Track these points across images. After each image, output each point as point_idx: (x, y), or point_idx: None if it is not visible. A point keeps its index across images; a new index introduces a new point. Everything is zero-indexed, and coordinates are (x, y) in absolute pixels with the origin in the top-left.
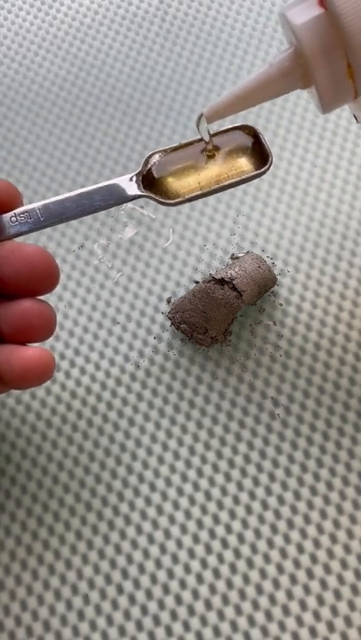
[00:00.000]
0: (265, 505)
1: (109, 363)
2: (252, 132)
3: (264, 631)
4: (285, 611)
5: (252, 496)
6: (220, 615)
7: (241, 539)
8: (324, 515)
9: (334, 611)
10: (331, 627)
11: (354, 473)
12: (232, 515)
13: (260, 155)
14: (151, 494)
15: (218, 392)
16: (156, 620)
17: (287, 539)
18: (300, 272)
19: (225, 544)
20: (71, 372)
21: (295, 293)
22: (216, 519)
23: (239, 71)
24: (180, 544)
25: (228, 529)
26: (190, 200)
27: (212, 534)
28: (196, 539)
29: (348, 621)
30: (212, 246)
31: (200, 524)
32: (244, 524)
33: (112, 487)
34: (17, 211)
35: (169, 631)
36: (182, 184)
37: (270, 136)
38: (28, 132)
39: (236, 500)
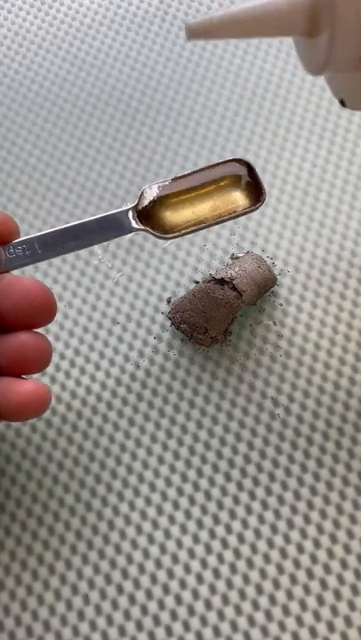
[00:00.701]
0: (265, 505)
1: (109, 363)
2: (246, 165)
3: (264, 631)
4: (285, 611)
5: (252, 496)
6: (220, 615)
7: (241, 539)
8: (324, 515)
9: (334, 611)
10: (331, 627)
11: (354, 473)
12: (232, 515)
13: (254, 188)
14: (151, 494)
15: (218, 392)
16: (156, 620)
17: (287, 539)
18: (300, 272)
19: (225, 544)
20: (71, 372)
21: (295, 293)
22: (216, 519)
23: (239, 71)
24: (180, 544)
25: (228, 529)
26: (185, 234)
27: (212, 534)
28: (196, 539)
29: (348, 621)
30: (212, 246)
31: (200, 523)
32: (244, 523)
33: (112, 487)
34: (14, 242)
35: (169, 631)
36: (178, 217)
37: (270, 136)
38: (27, 132)
39: (236, 500)
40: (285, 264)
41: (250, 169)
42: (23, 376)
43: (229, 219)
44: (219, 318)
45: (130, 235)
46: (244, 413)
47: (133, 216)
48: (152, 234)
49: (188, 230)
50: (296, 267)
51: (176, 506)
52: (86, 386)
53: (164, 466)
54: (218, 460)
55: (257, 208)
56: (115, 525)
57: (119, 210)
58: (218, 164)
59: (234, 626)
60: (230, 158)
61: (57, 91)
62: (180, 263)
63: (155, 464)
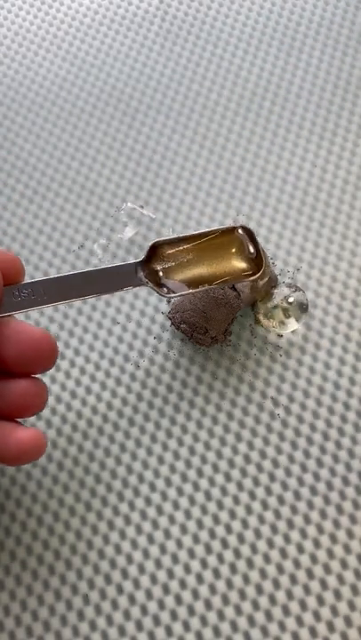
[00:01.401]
0: (265, 505)
1: (109, 363)
2: (248, 233)
3: (264, 631)
4: (285, 611)
5: (252, 496)
6: (220, 615)
7: (241, 539)
8: (324, 515)
9: (334, 611)
10: (331, 627)
11: (354, 473)
12: (232, 515)
13: (256, 257)
14: (151, 494)
15: (218, 392)
16: (156, 620)
17: (287, 539)
18: (301, 272)
19: (225, 544)
20: (71, 372)
21: None
22: (216, 519)
23: (239, 71)
24: (180, 544)
25: (228, 529)
26: (185, 295)
27: (212, 534)
28: (196, 539)
29: (348, 621)
30: None
31: (200, 523)
32: (244, 524)
33: (112, 487)
34: (20, 285)
35: (169, 631)
36: (181, 274)
37: (270, 136)
38: (27, 131)
39: (236, 500)
40: (285, 264)
41: (252, 238)
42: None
43: (229, 283)
44: (219, 318)
45: (130, 235)
46: (244, 413)
47: (142, 269)
48: (157, 292)
49: (189, 292)
50: (296, 267)
51: (176, 506)
52: (86, 386)
53: (164, 466)
54: (218, 459)
55: (257, 278)
56: (115, 525)
57: (128, 263)
58: (225, 231)
59: (234, 626)
60: (236, 225)
61: (57, 91)
62: None
63: (155, 464)
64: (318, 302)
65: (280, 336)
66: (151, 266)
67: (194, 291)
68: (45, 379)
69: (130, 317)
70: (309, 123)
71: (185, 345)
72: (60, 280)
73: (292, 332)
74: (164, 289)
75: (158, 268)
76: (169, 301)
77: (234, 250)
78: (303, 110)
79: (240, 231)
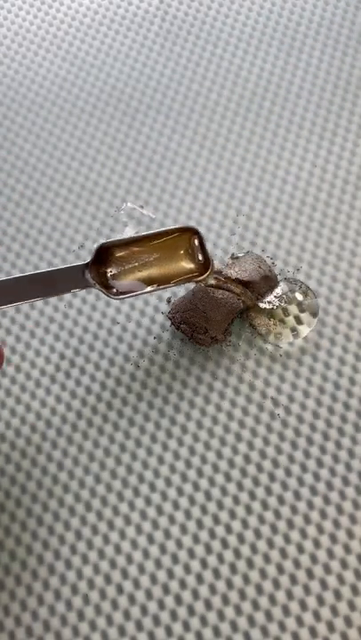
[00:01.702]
0: (265, 505)
1: (109, 363)
2: (196, 235)
3: (264, 631)
4: (285, 611)
5: (252, 496)
6: (220, 615)
7: (241, 539)
8: (324, 515)
9: (334, 611)
10: (331, 627)
11: (354, 473)
12: (232, 515)
13: (204, 257)
14: (151, 494)
15: (218, 392)
16: (156, 620)
17: (287, 539)
18: (300, 272)
19: (225, 544)
20: (71, 372)
21: None
22: (216, 519)
23: (239, 71)
24: (179, 544)
25: (228, 529)
26: (132, 296)
27: (212, 534)
28: (196, 539)
29: (348, 621)
30: (212, 246)
31: (200, 523)
32: (244, 523)
33: (112, 487)
34: None
35: (169, 631)
36: (131, 276)
37: (270, 136)
38: (27, 131)
39: (236, 500)
40: (285, 264)
41: (199, 238)
42: None
43: (176, 284)
44: (219, 318)
45: (130, 234)
46: (244, 413)
47: (89, 271)
48: (104, 292)
49: (136, 294)
50: (296, 267)
51: (176, 506)
52: (86, 386)
53: (164, 466)
54: (218, 459)
55: (204, 279)
56: (114, 525)
57: (74, 265)
58: (171, 232)
59: (234, 626)
60: (182, 227)
61: (57, 91)
62: None
63: (155, 464)
64: (319, 302)
65: (279, 336)
66: (100, 268)
67: (143, 292)
68: (45, 379)
69: (130, 317)
70: (309, 123)
71: (185, 345)
72: (5, 283)
73: (292, 329)
74: (114, 290)
75: (107, 270)
76: (169, 301)
77: (182, 252)
78: (303, 110)
79: (188, 233)
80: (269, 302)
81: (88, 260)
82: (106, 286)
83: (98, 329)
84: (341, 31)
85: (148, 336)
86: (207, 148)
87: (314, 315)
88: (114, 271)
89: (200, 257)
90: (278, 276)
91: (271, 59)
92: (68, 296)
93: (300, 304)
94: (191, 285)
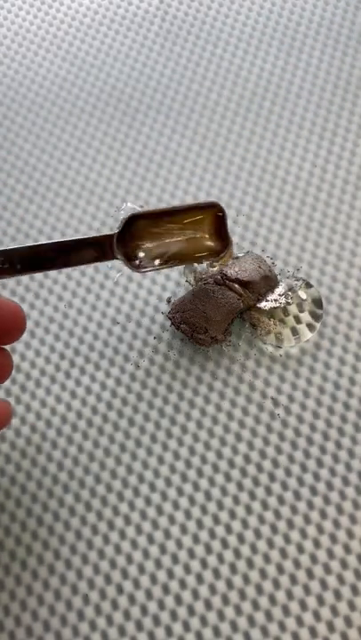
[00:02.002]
0: (265, 505)
1: (109, 363)
2: (220, 211)
3: (264, 631)
4: (285, 611)
5: (252, 496)
6: (220, 615)
7: (241, 539)
8: (324, 515)
9: (334, 611)
10: (331, 627)
11: (354, 473)
12: (232, 515)
13: (223, 234)
14: (151, 494)
15: (218, 392)
16: (156, 620)
17: (287, 539)
18: (300, 272)
19: (225, 544)
20: (71, 373)
21: None
22: (216, 519)
23: (239, 71)
24: (179, 544)
25: (228, 529)
26: (154, 270)
27: (212, 534)
28: (196, 539)
29: (348, 621)
30: None
31: (200, 523)
32: (244, 523)
33: (112, 487)
34: None
35: (169, 631)
36: (153, 249)
37: (270, 136)
38: (27, 132)
39: (236, 500)
40: (285, 264)
41: (222, 215)
42: None
43: (196, 260)
44: (219, 318)
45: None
46: (244, 413)
47: (115, 243)
48: (126, 264)
49: (157, 267)
50: (296, 267)
51: (176, 506)
52: (86, 386)
53: (164, 466)
54: (218, 459)
55: (221, 257)
56: (115, 525)
57: (103, 234)
58: (196, 207)
59: (234, 626)
60: (208, 202)
61: (57, 91)
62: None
63: (155, 464)
64: (321, 295)
65: (279, 336)
66: (125, 239)
67: (164, 267)
68: (45, 379)
69: (130, 317)
70: (309, 123)
71: (185, 345)
72: (34, 249)
73: (293, 328)
74: (136, 262)
75: (135, 243)
76: (169, 301)
77: (204, 228)
78: (303, 110)
79: (213, 210)
80: (275, 300)
81: (115, 230)
82: (128, 258)
83: (98, 329)
84: (341, 31)
85: (148, 336)
86: (207, 147)
87: (317, 312)
88: (140, 245)
89: (220, 235)
90: (278, 276)
91: (271, 59)
92: (68, 296)
93: (300, 305)
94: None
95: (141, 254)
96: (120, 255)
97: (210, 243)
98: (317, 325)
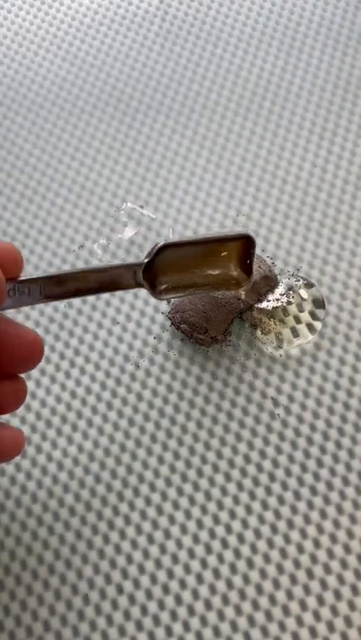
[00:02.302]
0: (265, 505)
1: (109, 363)
2: (252, 244)
3: (264, 631)
4: (285, 611)
5: (252, 496)
6: (220, 615)
7: (241, 539)
8: (324, 515)
9: (334, 611)
10: (331, 627)
11: (354, 473)
12: (232, 515)
13: (247, 266)
14: (151, 494)
15: (218, 392)
16: (156, 620)
17: (287, 539)
18: (301, 272)
19: (225, 544)
20: (71, 373)
21: None
22: (216, 519)
23: (239, 71)
24: (179, 544)
25: (228, 529)
26: (177, 297)
27: (212, 534)
28: (196, 539)
29: (348, 621)
30: None
31: (200, 523)
32: (244, 524)
33: (112, 487)
34: (18, 283)
35: (169, 631)
36: (177, 277)
37: (270, 136)
38: (27, 132)
39: (236, 500)
40: (285, 264)
41: (251, 248)
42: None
43: (216, 290)
44: (219, 318)
45: (130, 235)
46: (244, 413)
47: (142, 271)
48: (151, 294)
49: (181, 294)
50: (296, 267)
51: (176, 506)
52: (86, 386)
53: (164, 466)
54: (218, 459)
55: (243, 288)
56: (115, 525)
57: (131, 264)
58: (229, 238)
59: (234, 626)
60: (241, 234)
61: (57, 91)
62: None
63: (155, 464)
64: (322, 294)
65: (279, 336)
66: (151, 268)
67: (185, 294)
68: (45, 379)
69: (130, 317)
70: (309, 123)
71: (185, 345)
72: (59, 278)
73: (292, 328)
74: (159, 289)
75: (161, 272)
76: (169, 301)
77: (232, 258)
78: (303, 110)
79: (242, 240)
80: (275, 300)
81: (144, 259)
82: (152, 285)
83: (98, 329)
84: (341, 31)
85: (148, 336)
86: (207, 147)
87: (318, 312)
88: (166, 274)
89: (244, 267)
90: (278, 276)
91: (271, 59)
92: None
93: (300, 305)
94: None
95: (165, 284)
96: (145, 283)
97: (233, 272)
98: (318, 325)
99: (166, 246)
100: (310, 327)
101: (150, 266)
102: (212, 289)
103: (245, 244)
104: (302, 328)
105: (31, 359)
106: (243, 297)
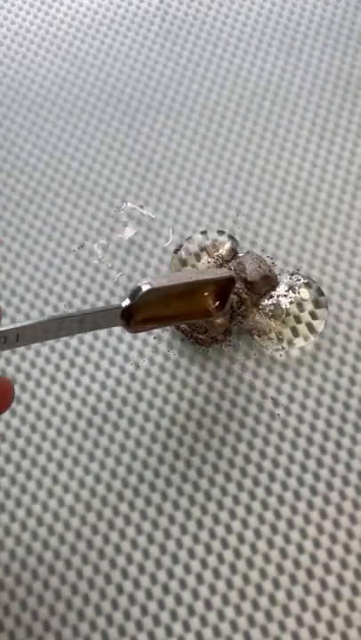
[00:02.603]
0: (265, 505)
1: (109, 363)
2: (232, 284)
3: (264, 631)
4: (285, 611)
5: (252, 496)
6: (220, 615)
7: (241, 539)
8: (324, 515)
9: (334, 611)
10: (331, 627)
11: (354, 473)
12: (232, 515)
13: (221, 297)
14: (151, 494)
15: (218, 392)
16: (156, 620)
17: (287, 539)
18: (301, 272)
19: (225, 544)
20: (71, 372)
21: None
22: (216, 519)
23: (239, 71)
24: (179, 544)
25: (228, 529)
26: (150, 329)
27: (212, 534)
28: (196, 539)
29: (348, 621)
30: None
31: (200, 523)
32: (244, 524)
33: (112, 487)
34: None
35: (169, 631)
36: (152, 312)
37: (270, 136)
38: (27, 132)
39: (236, 500)
40: (285, 264)
41: (233, 286)
42: None
43: (190, 320)
44: (219, 319)
45: (130, 235)
46: (244, 413)
47: (122, 317)
48: (126, 329)
49: (155, 327)
50: (296, 267)
51: (176, 506)
52: (86, 386)
53: (164, 466)
54: (218, 459)
55: (213, 319)
56: (115, 525)
57: (112, 308)
58: (211, 281)
59: (234, 626)
60: (226, 276)
61: (57, 91)
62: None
63: (155, 464)
64: (319, 301)
65: (279, 335)
66: (131, 310)
67: (159, 327)
68: (46, 379)
69: None
70: (309, 123)
71: (185, 345)
72: (35, 328)
73: (292, 328)
74: (133, 326)
75: (139, 313)
76: None
77: (207, 294)
78: (303, 110)
79: (225, 281)
80: (275, 300)
81: (125, 302)
82: (128, 322)
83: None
84: (341, 31)
85: (148, 336)
86: (207, 148)
87: (318, 312)
88: (144, 315)
89: (220, 300)
90: (279, 276)
91: (271, 59)
92: (68, 296)
93: (300, 305)
94: None
95: (140, 319)
96: (122, 321)
97: (210, 307)
98: (318, 326)
99: (151, 291)
100: (310, 327)
101: (130, 308)
102: (183, 320)
103: (227, 284)
104: (302, 328)
105: (4, 403)
106: (218, 323)
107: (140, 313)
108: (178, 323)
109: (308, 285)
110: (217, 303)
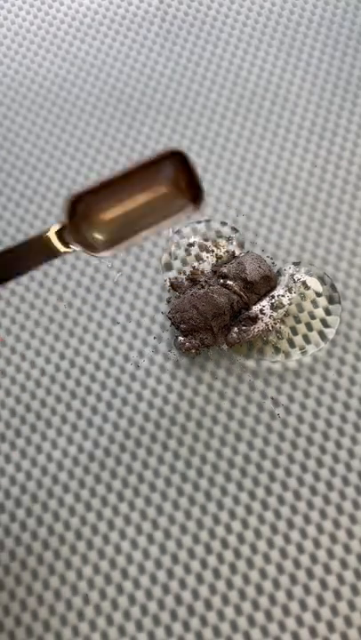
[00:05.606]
0: (265, 505)
1: (109, 363)
2: (182, 159)
3: (264, 631)
4: (285, 611)
5: (252, 496)
6: (220, 615)
7: (241, 539)
8: (324, 515)
9: (334, 611)
10: (331, 627)
11: (354, 473)
12: (232, 515)
13: (192, 186)
14: (151, 494)
15: (218, 392)
16: (156, 620)
17: (287, 539)
18: (300, 272)
19: (225, 544)
20: (71, 372)
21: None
22: (216, 519)
23: (239, 71)
24: (179, 544)
25: (228, 529)
26: (120, 250)
27: (212, 534)
28: (196, 539)
29: (348, 621)
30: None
31: (200, 523)
32: (244, 524)
33: (112, 487)
34: None
35: (169, 631)
36: (111, 226)
37: (270, 136)
38: (27, 132)
39: (236, 500)
40: (285, 264)
41: (186, 163)
42: None
43: (167, 225)
44: (218, 319)
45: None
46: (244, 413)
47: (63, 235)
48: (89, 254)
49: (122, 245)
50: (296, 267)
51: (176, 506)
52: (86, 386)
53: (164, 466)
54: (218, 459)
55: (195, 211)
56: (115, 525)
57: (45, 230)
58: (151, 161)
59: (234, 626)
60: (164, 152)
61: (57, 91)
62: (180, 263)
63: (155, 464)
64: (320, 302)
65: (279, 335)
66: (77, 225)
67: (133, 241)
68: (46, 379)
69: (130, 317)
70: (309, 123)
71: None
72: None
73: (292, 328)
74: (96, 245)
75: (87, 227)
76: (168, 301)
77: (169, 183)
78: (303, 110)
79: (172, 160)
80: (275, 300)
81: (59, 220)
82: (87, 245)
83: (98, 329)
84: (341, 31)
85: (148, 336)
86: (207, 148)
87: (317, 312)
88: (96, 226)
89: (189, 185)
90: (278, 277)
91: (271, 59)
92: (68, 296)
93: (300, 305)
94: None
95: (99, 236)
96: (75, 244)
97: (179, 198)
98: (318, 325)
99: (79, 199)
100: (310, 327)
101: (73, 223)
102: (163, 225)
103: (177, 159)
104: (302, 328)
105: None
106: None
107: (93, 226)
108: (157, 226)
109: (306, 286)
110: (184, 184)
